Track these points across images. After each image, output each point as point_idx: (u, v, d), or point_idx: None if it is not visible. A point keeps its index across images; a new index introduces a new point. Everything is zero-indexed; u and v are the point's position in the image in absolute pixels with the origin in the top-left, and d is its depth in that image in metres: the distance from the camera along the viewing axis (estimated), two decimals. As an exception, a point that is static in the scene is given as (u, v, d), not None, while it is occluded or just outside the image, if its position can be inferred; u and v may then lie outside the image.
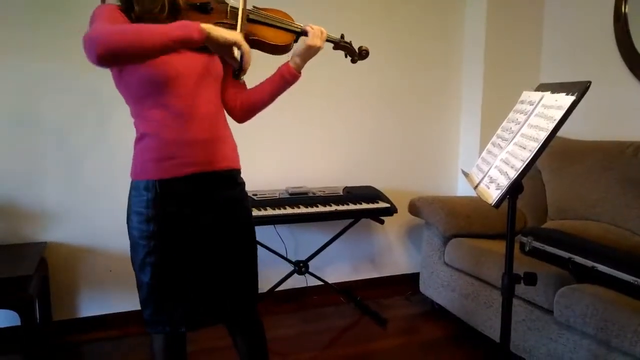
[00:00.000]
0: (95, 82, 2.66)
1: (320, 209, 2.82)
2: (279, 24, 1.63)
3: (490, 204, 1.53)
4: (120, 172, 2.75)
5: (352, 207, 2.90)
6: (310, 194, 2.94)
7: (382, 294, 3.36)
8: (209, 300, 1.58)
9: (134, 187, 1.53)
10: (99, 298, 2.81)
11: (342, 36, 1.81)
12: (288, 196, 2.89)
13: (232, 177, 1.63)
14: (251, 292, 1.70)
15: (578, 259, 2.14)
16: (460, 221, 2.85)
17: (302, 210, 2.77)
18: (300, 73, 1.66)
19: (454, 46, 3.51)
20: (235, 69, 1.43)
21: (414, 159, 3.52)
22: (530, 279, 1.64)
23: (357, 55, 1.82)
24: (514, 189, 1.52)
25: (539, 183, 2.97)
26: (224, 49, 1.37)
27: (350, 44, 1.82)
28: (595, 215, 2.58)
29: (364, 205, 2.93)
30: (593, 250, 2.13)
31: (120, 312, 2.86)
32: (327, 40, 1.71)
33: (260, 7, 1.65)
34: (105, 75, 2.74)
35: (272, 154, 3.13)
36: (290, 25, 1.65)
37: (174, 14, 1.47)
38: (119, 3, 1.47)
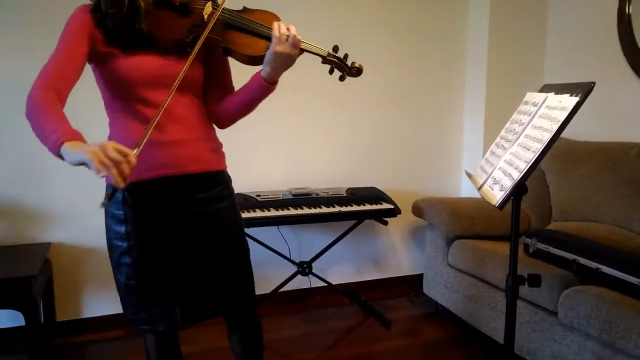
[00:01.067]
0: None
1: (324, 210, 2.82)
2: (257, 32, 1.47)
3: (494, 205, 1.52)
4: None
5: (355, 208, 2.90)
6: (314, 195, 2.94)
7: (385, 295, 3.36)
8: (190, 300, 1.56)
9: (107, 189, 1.50)
10: (102, 299, 2.82)
11: (335, 48, 1.58)
12: (291, 197, 2.89)
13: (209, 179, 1.57)
14: (243, 291, 1.66)
15: (582, 260, 2.13)
16: (463, 222, 2.84)
17: (306, 211, 2.77)
18: (272, 84, 1.51)
19: (457, 47, 3.51)
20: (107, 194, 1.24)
21: (418, 160, 3.52)
22: (535, 280, 1.64)
23: (348, 71, 1.60)
24: (518, 190, 1.52)
25: (543, 184, 2.96)
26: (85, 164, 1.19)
27: (341, 59, 1.59)
28: (599, 216, 2.58)
29: (368, 207, 2.93)
30: (597, 251, 2.12)
31: (123, 313, 2.86)
32: (309, 52, 1.53)
33: (249, 8, 1.54)
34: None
35: (276, 155, 3.13)
36: (265, 31, 1.46)
37: (134, 19, 1.39)
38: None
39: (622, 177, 2.51)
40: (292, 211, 2.76)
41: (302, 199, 2.88)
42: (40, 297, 2.26)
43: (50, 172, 2.65)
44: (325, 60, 1.57)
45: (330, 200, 2.91)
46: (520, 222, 1.67)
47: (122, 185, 1.16)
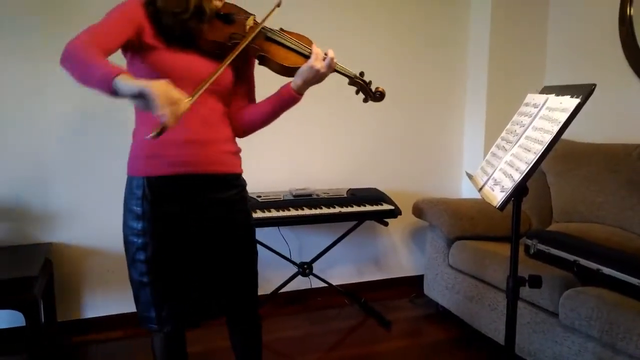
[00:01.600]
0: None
1: (324, 210, 2.82)
2: (292, 46, 1.60)
3: (495, 207, 1.52)
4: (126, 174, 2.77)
5: (356, 209, 2.90)
6: (314, 196, 2.94)
7: (386, 296, 3.36)
8: (199, 299, 1.58)
9: (127, 184, 1.56)
10: (103, 299, 2.82)
11: (362, 73, 1.72)
12: (292, 198, 2.89)
13: (226, 180, 1.61)
14: (248, 292, 1.69)
15: (583, 261, 2.13)
16: (464, 223, 2.84)
17: (306, 212, 2.77)
18: (300, 95, 1.61)
19: (458, 49, 3.51)
20: (158, 131, 1.22)
21: (418, 161, 3.52)
22: (535, 281, 1.64)
23: (371, 96, 1.74)
24: (519, 191, 1.52)
25: (544, 185, 2.96)
26: (138, 100, 1.23)
27: (367, 83, 1.72)
28: (600, 218, 2.58)
29: (368, 207, 2.93)
30: (598, 252, 2.12)
31: (125, 313, 2.86)
32: (339, 73, 1.66)
33: (287, 30, 1.65)
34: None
35: (276, 155, 3.13)
36: (303, 49, 1.60)
37: (199, 19, 1.49)
38: None
39: (623, 179, 2.51)
40: (293, 212, 2.76)
41: (302, 199, 2.88)
42: (41, 297, 2.26)
43: (51, 172, 2.65)
44: (352, 81, 1.71)
45: (330, 201, 2.91)
46: (521, 223, 1.67)
47: (173, 124, 1.21)
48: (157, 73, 1.45)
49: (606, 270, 2.03)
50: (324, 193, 3.00)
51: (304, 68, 1.56)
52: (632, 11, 2.81)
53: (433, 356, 2.63)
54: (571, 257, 2.18)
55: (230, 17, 1.57)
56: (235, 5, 1.64)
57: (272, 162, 3.12)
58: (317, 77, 1.58)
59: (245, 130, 1.71)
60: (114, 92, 1.24)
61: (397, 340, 2.80)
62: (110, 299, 2.83)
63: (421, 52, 3.41)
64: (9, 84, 2.54)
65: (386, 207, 2.97)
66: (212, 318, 1.65)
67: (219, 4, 1.55)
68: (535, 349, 2.23)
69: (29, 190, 2.62)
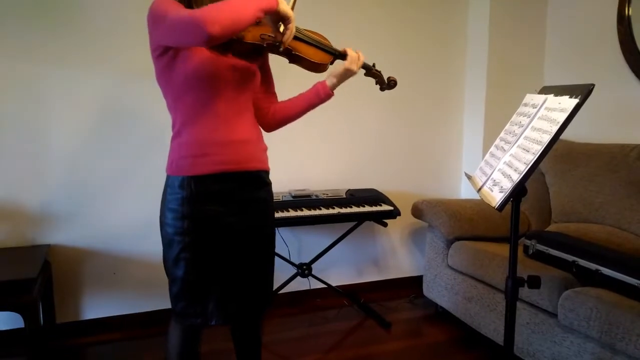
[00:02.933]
0: (99, 86, 2.68)
1: (323, 211, 2.82)
2: (319, 45, 1.71)
3: (494, 207, 1.52)
4: (124, 176, 2.77)
5: (355, 209, 2.90)
6: (313, 197, 2.94)
7: (385, 297, 3.35)
8: (237, 295, 1.63)
9: (169, 185, 1.58)
10: (102, 301, 2.82)
11: (374, 65, 1.90)
12: (291, 199, 2.89)
13: (261, 178, 1.69)
14: (268, 289, 1.76)
15: (582, 262, 2.13)
16: (463, 224, 2.84)
17: (305, 212, 2.77)
18: (333, 93, 1.76)
19: (457, 49, 3.51)
20: (277, 42, 1.53)
21: (417, 161, 3.52)
22: (534, 282, 1.64)
23: (386, 84, 1.92)
24: (518, 192, 1.52)
25: (543, 186, 2.97)
26: (278, 19, 1.47)
27: (380, 72, 1.91)
28: (599, 218, 2.58)
29: (367, 208, 2.93)
30: (597, 253, 2.12)
31: (123, 315, 2.86)
32: (363, 68, 1.80)
33: (302, 27, 1.70)
34: (110, 79, 2.76)
35: (276, 156, 3.09)
36: (330, 48, 1.73)
37: None
38: None
39: (622, 179, 2.51)
40: (292, 213, 2.75)
41: (301, 200, 2.88)
42: (40, 299, 2.26)
43: (50, 174, 2.65)
44: (370, 73, 1.90)
45: (329, 202, 2.91)
46: (520, 224, 1.67)
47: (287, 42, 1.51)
48: (202, 73, 1.50)
49: (605, 271, 2.03)
50: (323, 194, 3.00)
51: (341, 70, 1.72)
52: (630, 11, 2.81)
53: (432, 357, 2.63)
54: (570, 258, 2.18)
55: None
56: None
57: (271, 162, 3.08)
58: (349, 77, 1.75)
59: (277, 125, 1.82)
60: (275, 7, 1.41)
61: (397, 341, 2.80)
62: (109, 301, 2.83)
63: (420, 52, 3.41)
64: (8, 85, 2.53)
65: (385, 207, 2.97)
66: (248, 314, 1.69)
67: None
68: (534, 350, 2.23)
69: (27, 191, 2.61)
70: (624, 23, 2.84)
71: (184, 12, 1.34)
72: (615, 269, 2.00)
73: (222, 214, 1.57)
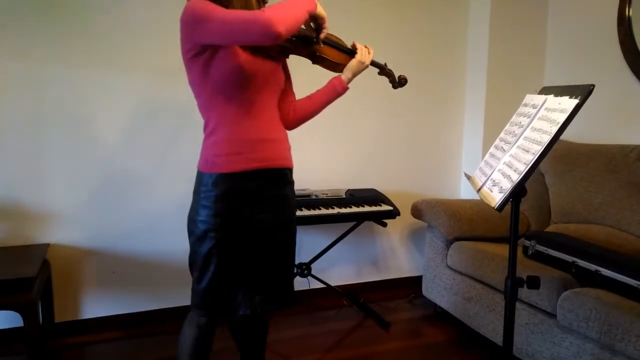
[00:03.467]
0: (100, 85, 2.68)
1: (323, 211, 2.81)
2: (339, 47, 1.82)
3: (493, 207, 1.52)
4: (124, 175, 2.77)
5: (354, 209, 2.90)
6: (313, 197, 2.94)
7: (385, 297, 3.35)
8: (263, 287, 1.71)
9: (202, 182, 1.64)
10: (101, 300, 2.82)
11: (386, 64, 2.00)
12: (291, 199, 2.89)
13: (287, 176, 1.77)
14: (289, 284, 1.83)
15: (581, 262, 2.13)
16: (463, 224, 2.84)
17: (305, 212, 2.77)
18: (349, 86, 1.84)
19: (457, 50, 3.51)
20: (314, 37, 1.71)
21: (417, 161, 3.52)
22: (533, 282, 1.64)
23: (398, 83, 2.00)
24: (517, 192, 1.52)
25: (543, 186, 2.97)
26: (314, 20, 1.66)
27: (392, 71, 2.01)
28: (599, 219, 2.58)
29: (367, 208, 2.93)
30: (596, 254, 2.12)
31: (123, 314, 2.86)
32: (373, 65, 1.91)
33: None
34: (111, 77, 2.76)
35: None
36: (346, 48, 1.84)
37: None
38: None
39: (622, 180, 2.51)
40: (292, 212, 2.75)
41: (301, 200, 2.87)
42: (39, 298, 2.26)
43: (49, 172, 2.64)
44: (383, 72, 2.00)
45: (329, 202, 2.91)
46: (520, 224, 1.67)
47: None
48: (240, 74, 1.57)
49: (604, 272, 2.03)
50: (323, 194, 3.00)
51: (354, 63, 1.81)
52: (630, 12, 2.81)
53: (431, 357, 2.63)
54: (569, 258, 2.18)
55: None
56: None
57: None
58: (362, 70, 1.84)
59: (298, 123, 1.89)
60: (313, 13, 1.60)
61: (396, 341, 2.80)
62: (108, 300, 2.83)
63: (420, 53, 3.41)
64: (7, 84, 2.53)
65: (385, 207, 2.97)
66: (255, 310, 1.72)
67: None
68: (534, 350, 2.23)
69: (26, 190, 2.61)
70: (624, 24, 2.84)
71: (244, 12, 1.46)
72: (615, 270, 2.00)
73: (253, 211, 1.65)
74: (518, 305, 2.27)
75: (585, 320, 1.94)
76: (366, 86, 3.22)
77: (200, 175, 1.65)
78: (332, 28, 1.81)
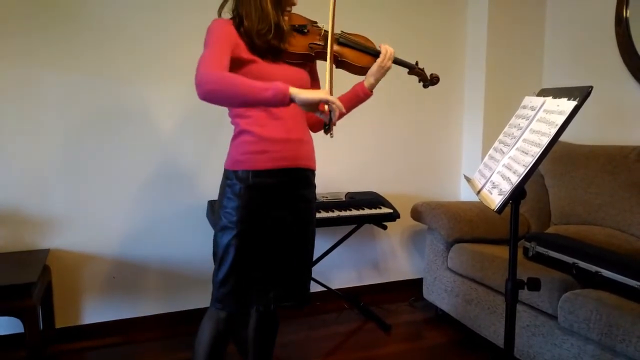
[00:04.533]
0: (99, 91, 2.68)
1: (323, 214, 2.81)
2: (362, 48, 1.81)
3: (493, 210, 1.52)
4: (123, 180, 2.77)
5: (354, 212, 2.90)
6: (313, 200, 2.94)
7: (385, 300, 3.35)
8: (278, 283, 1.77)
9: (228, 177, 1.72)
10: (102, 305, 2.81)
11: (417, 63, 1.97)
12: (291, 202, 2.88)
13: (309, 177, 1.84)
14: (306, 284, 1.88)
15: (582, 264, 2.13)
16: (463, 226, 2.84)
17: (305, 216, 2.77)
18: (372, 92, 1.87)
19: (456, 52, 3.52)
20: (325, 124, 1.58)
21: (417, 164, 3.52)
22: (534, 284, 1.64)
23: (429, 81, 1.98)
24: (517, 194, 1.52)
25: (542, 188, 2.97)
26: (312, 107, 1.52)
27: (423, 70, 1.98)
28: (599, 220, 2.58)
29: (367, 211, 2.93)
30: (597, 255, 2.12)
31: (123, 319, 2.85)
32: (401, 65, 1.91)
33: (347, 32, 1.84)
34: (111, 82, 2.76)
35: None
36: (370, 49, 1.82)
37: (279, 37, 1.69)
38: (231, 16, 1.71)
39: (622, 181, 2.51)
40: (291, 216, 2.75)
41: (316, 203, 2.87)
42: (39, 303, 2.26)
43: (49, 178, 2.65)
44: (412, 71, 1.97)
45: (329, 205, 2.91)
46: (520, 226, 1.67)
47: (338, 116, 1.60)
48: (262, 80, 1.58)
49: (605, 273, 2.03)
50: (323, 197, 3.00)
51: (375, 68, 1.82)
52: (628, 13, 2.81)
53: (433, 359, 2.63)
54: (570, 260, 2.18)
55: (304, 28, 1.76)
56: (299, 15, 1.81)
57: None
58: (384, 73, 1.84)
59: (321, 127, 1.86)
60: (287, 103, 1.51)
61: (397, 344, 2.80)
62: (108, 305, 2.83)
63: (418, 55, 3.37)
64: (7, 87, 2.53)
65: (385, 210, 2.97)
66: (287, 301, 1.79)
67: (286, 18, 1.74)
68: (535, 352, 2.23)
69: (26, 196, 2.61)
70: (621, 25, 2.84)
71: (201, 60, 1.52)
72: (615, 271, 2.00)
73: (274, 207, 1.72)
74: (519, 307, 2.27)
75: (586, 321, 1.94)
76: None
77: (226, 172, 1.74)
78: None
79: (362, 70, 1.83)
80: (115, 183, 2.76)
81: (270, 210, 1.71)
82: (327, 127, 1.58)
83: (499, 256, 2.52)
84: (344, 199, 3.02)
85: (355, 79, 1.89)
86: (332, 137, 1.63)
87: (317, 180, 3.21)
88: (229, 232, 1.68)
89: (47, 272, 2.56)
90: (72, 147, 2.67)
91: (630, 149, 2.58)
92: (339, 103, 1.52)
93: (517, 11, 3.36)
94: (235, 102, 1.55)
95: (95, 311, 2.81)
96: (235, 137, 1.75)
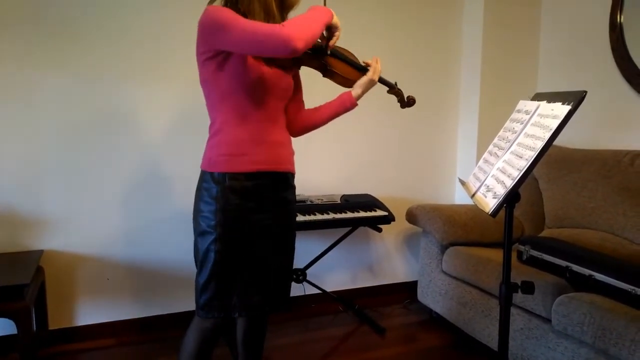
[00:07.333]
0: (94, 91, 2.68)
1: (318, 217, 2.82)
2: (352, 63, 1.85)
3: (488, 213, 1.53)
4: (118, 181, 2.76)
5: (349, 215, 2.90)
6: (308, 202, 2.94)
7: (380, 303, 3.35)
8: (260, 288, 1.72)
9: (204, 179, 1.67)
10: (95, 306, 2.80)
11: (396, 83, 2.01)
12: (286, 204, 2.88)
13: (289, 180, 1.80)
14: (286, 288, 1.84)
15: (575, 267, 2.14)
16: (457, 229, 2.85)
17: (300, 218, 2.77)
18: (358, 103, 1.87)
19: (451, 56, 3.53)
20: (324, 45, 1.74)
21: (412, 167, 3.53)
22: (528, 287, 1.64)
23: (406, 103, 2.04)
24: (511, 197, 1.53)
25: (536, 191, 2.98)
26: (327, 30, 1.70)
27: (401, 91, 2.03)
28: (592, 223, 2.59)
29: (362, 214, 2.93)
30: (590, 258, 2.13)
31: (117, 321, 2.84)
32: (382, 83, 1.94)
33: (338, 46, 1.85)
34: (107, 85, 2.76)
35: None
36: (359, 65, 1.86)
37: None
38: (222, 4, 1.65)
39: (615, 185, 2.53)
40: (287, 218, 2.75)
41: (296, 205, 2.86)
42: (33, 305, 2.24)
43: (44, 179, 2.64)
44: (392, 90, 2.01)
45: (324, 207, 2.91)
46: (514, 229, 1.68)
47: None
48: (250, 79, 1.61)
49: (598, 276, 2.04)
50: (318, 199, 3.00)
51: (365, 80, 1.84)
52: (622, 18, 2.84)
53: (427, 362, 2.63)
54: (564, 263, 2.19)
55: None
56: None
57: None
58: (371, 87, 1.88)
59: (303, 131, 1.94)
60: (329, 23, 1.65)
61: (391, 346, 2.80)
62: (102, 307, 2.82)
63: (414, 59, 3.43)
64: (1, 90, 2.52)
65: (380, 213, 2.97)
66: (250, 312, 1.73)
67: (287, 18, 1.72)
68: (529, 355, 2.24)
69: (20, 196, 2.60)
70: (615, 30, 2.86)
71: (263, 26, 1.48)
72: (609, 275, 2.01)
73: (253, 210, 1.67)
74: (513, 310, 2.28)
75: (579, 325, 1.95)
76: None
77: (202, 174, 1.69)
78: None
79: (347, 82, 1.87)
80: (110, 184, 2.76)
81: (250, 214, 1.66)
82: (326, 45, 1.74)
83: (493, 259, 2.53)
84: (339, 202, 3.02)
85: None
86: (329, 54, 1.76)
87: (312, 183, 3.25)
88: (208, 237, 1.63)
89: (40, 273, 2.55)
90: (66, 149, 2.66)
91: (623, 153, 2.60)
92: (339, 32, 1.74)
93: (512, 16, 3.37)
94: (318, 35, 1.57)
95: (89, 313, 2.80)
96: (212, 136, 1.69)
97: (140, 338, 2.81)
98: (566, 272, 2.17)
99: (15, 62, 2.53)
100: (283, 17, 1.68)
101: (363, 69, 1.86)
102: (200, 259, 1.67)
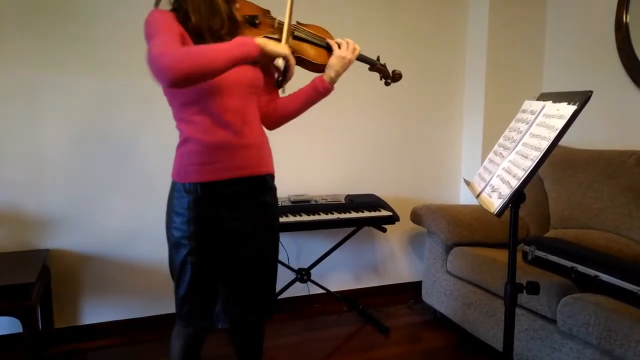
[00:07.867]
0: (98, 90, 2.69)
1: (322, 217, 2.82)
2: (318, 42, 1.70)
3: (493, 213, 1.53)
4: (123, 181, 2.77)
5: (354, 215, 2.90)
6: (313, 202, 2.94)
7: (384, 303, 3.35)
8: (243, 298, 1.65)
9: (175, 189, 1.59)
10: (101, 305, 2.81)
11: (378, 58, 1.88)
12: (290, 204, 2.89)
13: (267, 182, 1.69)
14: (271, 293, 1.77)
15: (581, 268, 2.13)
16: (462, 230, 2.84)
17: (304, 218, 2.77)
18: (332, 86, 1.73)
19: (456, 55, 3.52)
20: (279, 79, 1.57)
21: (416, 167, 3.52)
22: (533, 288, 1.64)
23: (391, 78, 1.90)
24: (516, 197, 1.52)
25: (542, 192, 2.97)
26: (271, 59, 1.50)
27: (384, 66, 1.89)
28: (598, 224, 2.58)
29: (366, 214, 2.93)
30: (596, 259, 2.12)
31: (122, 320, 2.85)
32: (362, 61, 1.81)
33: (302, 23, 1.72)
34: (109, 84, 2.77)
35: (275, 162, 3.11)
36: (323, 43, 1.71)
37: (233, 30, 1.56)
38: (170, 8, 1.54)
39: (621, 185, 2.52)
40: (291, 218, 2.76)
41: (300, 205, 2.88)
42: (38, 304, 2.26)
43: (49, 178, 2.65)
44: (373, 67, 1.87)
45: (328, 207, 2.91)
46: (519, 230, 1.67)
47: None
48: (207, 87, 1.48)
49: (604, 277, 2.03)
50: (322, 199, 3.00)
51: (334, 60, 1.70)
52: (627, 18, 2.82)
53: (431, 363, 2.63)
54: (569, 264, 2.18)
55: (255, 19, 1.63)
56: (250, 3, 1.68)
57: (270, 168, 3.11)
58: (345, 66, 1.72)
59: (279, 122, 1.81)
60: (257, 55, 1.43)
61: (396, 346, 2.80)
62: (108, 306, 2.83)
63: (419, 59, 3.42)
64: (6, 90, 2.54)
65: (384, 213, 2.97)
66: (254, 318, 1.70)
67: (238, 6, 1.59)
68: (534, 356, 2.23)
69: (26, 196, 2.62)
70: (621, 30, 2.85)
71: (159, 49, 1.33)
72: (614, 276, 2.00)
73: (228, 218, 1.58)
74: (518, 310, 2.27)
75: (585, 325, 1.94)
76: (365, 92, 3.23)
77: (173, 184, 1.60)
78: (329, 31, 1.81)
79: (320, 68, 1.71)
80: (115, 183, 2.76)
81: (224, 222, 1.57)
82: (280, 82, 1.56)
83: (498, 260, 2.52)
84: (343, 202, 3.02)
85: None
86: (283, 92, 1.60)
87: (316, 183, 3.25)
88: (182, 249, 1.55)
89: (46, 272, 2.56)
90: (72, 148, 2.67)
91: (629, 153, 2.58)
92: (294, 62, 1.55)
93: (517, 15, 3.36)
94: (213, 71, 1.37)
95: (95, 312, 2.81)
96: (180, 146, 1.60)
97: (146, 337, 2.81)
98: (572, 272, 2.16)
99: (21, 62, 2.55)
100: (230, 7, 1.55)
101: (330, 48, 1.72)
102: (177, 272, 1.60)
